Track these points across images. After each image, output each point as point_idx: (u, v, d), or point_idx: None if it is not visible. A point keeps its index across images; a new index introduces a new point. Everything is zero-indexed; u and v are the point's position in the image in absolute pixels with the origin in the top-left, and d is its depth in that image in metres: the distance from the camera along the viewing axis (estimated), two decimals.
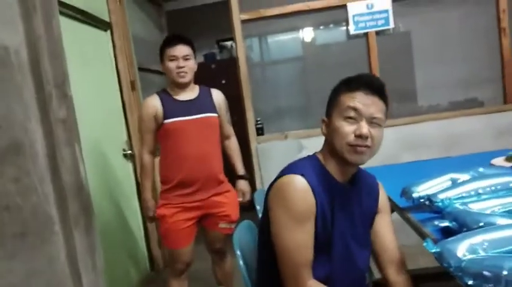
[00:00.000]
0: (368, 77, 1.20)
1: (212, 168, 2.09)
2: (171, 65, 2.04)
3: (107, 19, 2.89)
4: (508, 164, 1.74)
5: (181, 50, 2.05)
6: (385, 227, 1.28)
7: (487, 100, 3.25)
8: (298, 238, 1.10)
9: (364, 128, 1.11)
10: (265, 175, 3.13)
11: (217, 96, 2.18)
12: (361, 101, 1.13)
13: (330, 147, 1.19)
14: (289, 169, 1.16)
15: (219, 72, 4.74)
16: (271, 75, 3.41)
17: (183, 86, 2.08)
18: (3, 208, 1.74)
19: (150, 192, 2.16)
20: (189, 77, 2.08)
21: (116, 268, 2.62)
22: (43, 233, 1.85)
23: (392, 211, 1.80)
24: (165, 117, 2.04)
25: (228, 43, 4.91)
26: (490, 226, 0.92)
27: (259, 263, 1.25)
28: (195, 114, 2.05)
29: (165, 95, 2.09)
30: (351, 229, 1.21)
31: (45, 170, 2.04)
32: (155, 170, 2.20)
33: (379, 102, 1.15)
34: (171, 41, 2.08)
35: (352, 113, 1.13)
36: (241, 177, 2.28)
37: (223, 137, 2.26)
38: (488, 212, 1.08)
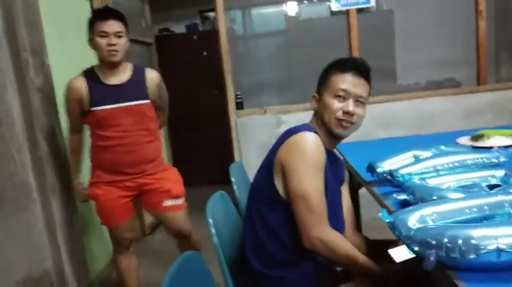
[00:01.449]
0: (357, 60, 1.41)
1: (143, 155, 2.01)
2: (102, 41, 1.87)
3: None
4: (473, 143, 1.83)
5: (113, 26, 1.89)
6: (347, 195, 1.54)
7: (464, 81, 3.34)
8: (318, 185, 1.22)
9: (351, 106, 1.31)
10: (243, 148, 3.18)
11: (152, 79, 2.04)
12: (350, 82, 1.32)
13: (319, 120, 1.37)
14: (295, 129, 1.28)
15: (201, 43, 4.71)
16: (252, 49, 3.43)
17: (113, 66, 1.94)
18: None
19: (78, 172, 2.08)
20: (120, 55, 1.92)
21: (95, 237, 2.67)
22: (21, 201, 1.88)
23: (360, 185, 1.89)
24: (92, 104, 1.92)
25: (211, 14, 4.85)
26: (439, 199, 1.00)
27: (261, 228, 1.29)
28: (123, 102, 1.93)
29: (92, 78, 1.95)
30: (334, 191, 1.39)
31: (22, 139, 2.06)
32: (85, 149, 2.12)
33: (365, 84, 1.35)
34: (102, 14, 1.93)
35: (341, 93, 1.31)
36: None
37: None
38: (444, 187, 1.15)
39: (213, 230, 1.22)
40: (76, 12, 2.73)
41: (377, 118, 3.11)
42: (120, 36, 1.91)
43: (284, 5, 3.29)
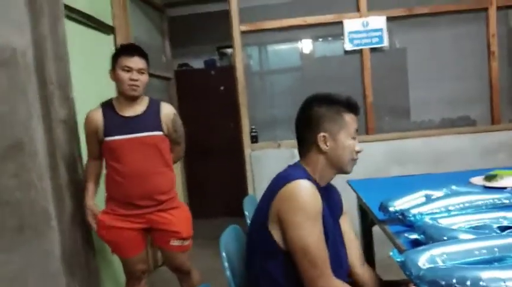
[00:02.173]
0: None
1: (153, 187, 2.03)
2: (125, 75, 1.96)
3: (110, 23, 2.98)
4: (486, 183, 1.83)
5: (138, 62, 1.99)
6: (348, 227, 1.51)
7: (478, 119, 3.36)
8: (318, 235, 1.21)
9: (360, 145, 1.38)
10: (257, 181, 3.22)
11: (167, 113, 2.09)
12: (357, 122, 1.40)
13: (328, 160, 1.35)
14: (289, 176, 1.26)
15: (218, 78, 4.85)
16: (268, 85, 3.51)
17: (131, 99, 2.02)
18: (4, 203, 1.83)
19: (92, 198, 2.10)
20: (140, 91, 2.01)
21: (108, 267, 2.69)
22: (40, 228, 1.93)
23: (373, 223, 1.90)
24: (105, 134, 2.00)
25: (229, 50, 5.01)
26: (451, 240, 1.01)
27: (262, 275, 1.27)
28: (135, 133, 1.99)
29: (109, 109, 2.04)
30: (333, 228, 1.37)
31: (44, 168, 2.13)
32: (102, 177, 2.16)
33: None
34: (128, 50, 2.02)
35: (356, 134, 1.38)
36: None
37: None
38: (455, 227, 1.16)
39: (226, 264, 1.24)
40: (100, 46, 2.87)
41: (391, 155, 3.13)
42: (142, 73, 2.00)
43: (299, 42, 3.39)
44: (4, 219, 1.75)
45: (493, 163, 2.96)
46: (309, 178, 1.28)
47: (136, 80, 1.97)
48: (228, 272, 1.22)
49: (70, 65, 2.22)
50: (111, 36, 3.01)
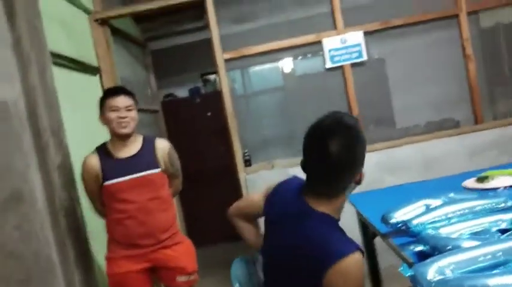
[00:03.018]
0: None
1: (156, 225, 2.05)
2: (112, 115, 1.99)
3: (95, 64, 3.02)
4: (479, 185, 1.89)
5: (123, 100, 2.02)
6: None
7: (462, 120, 3.45)
8: None
9: None
10: None
11: (162, 148, 2.13)
12: None
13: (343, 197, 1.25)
14: (346, 249, 1.11)
15: (204, 105, 4.90)
16: (254, 107, 3.57)
17: (124, 138, 2.04)
18: (8, 255, 1.82)
19: None
20: (130, 127, 2.03)
21: None
22: (46, 278, 1.91)
23: (375, 235, 1.94)
24: (104, 178, 2.01)
25: (212, 77, 5.08)
26: (455, 249, 1.05)
27: None
28: (134, 173, 2.01)
29: (104, 153, 2.06)
30: None
31: (44, 216, 2.12)
32: None
33: None
34: (112, 92, 2.06)
35: None
36: None
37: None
38: (456, 235, 1.21)
39: None
40: (87, 88, 2.90)
41: (382, 165, 3.19)
42: (130, 110, 2.02)
43: (282, 63, 3.47)
44: (11, 272, 1.74)
45: (481, 161, 3.04)
46: (355, 246, 1.14)
47: (125, 117, 2.00)
48: None
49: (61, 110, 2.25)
50: (97, 77, 3.05)
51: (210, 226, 4.77)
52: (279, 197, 1.38)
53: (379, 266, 2.25)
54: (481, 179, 1.94)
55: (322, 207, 1.21)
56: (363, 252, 1.14)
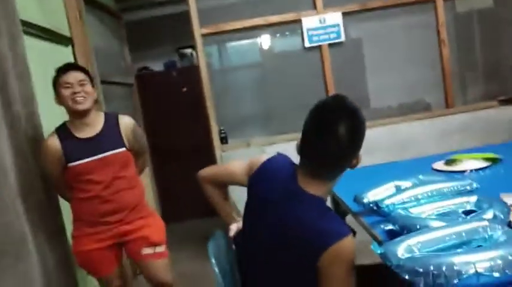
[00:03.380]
0: None
1: (122, 203, 2.00)
2: (66, 92, 1.89)
3: (67, 34, 2.92)
4: (447, 168, 1.97)
5: (75, 75, 1.92)
6: None
7: (433, 102, 3.55)
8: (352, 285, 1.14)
9: None
10: None
11: (125, 126, 2.03)
12: None
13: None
14: (341, 232, 1.12)
15: (179, 79, 4.83)
16: (231, 83, 3.55)
17: (82, 115, 1.94)
18: None
19: None
20: (87, 103, 1.92)
21: (90, 284, 2.67)
22: (18, 252, 1.90)
23: (347, 213, 2.00)
24: (68, 160, 1.91)
25: (188, 51, 4.99)
26: (423, 229, 1.11)
27: None
28: (99, 153, 1.93)
29: (64, 134, 1.95)
30: None
31: (16, 188, 2.09)
32: None
33: None
34: (63, 69, 1.95)
35: None
36: None
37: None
38: (425, 215, 1.27)
39: (216, 270, 1.28)
40: (59, 59, 2.79)
41: None
42: (83, 84, 1.92)
43: (260, 40, 3.44)
44: None
45: (450, 144, 3.15)
46: (348, 228, 1.16)
47: (79, 92, 1.89)
48: (219, 279, 1.26)
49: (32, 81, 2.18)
50: (70, 48, 2.95)
51: (183, 202, 4.79)
52: (267, 175, 1.33)
53: None
54: (449, 162, 2.02)
55: (314, 188, 1.20)
56: (354, 233, 1.15)
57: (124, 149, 2.00)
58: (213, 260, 1.28)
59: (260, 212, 1.29)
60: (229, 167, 1.52)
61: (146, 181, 4.02)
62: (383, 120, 3.39)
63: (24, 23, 2.26)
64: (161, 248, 2.06)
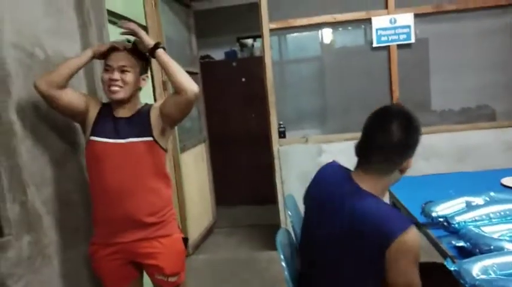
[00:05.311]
0: None
1: (131, 208, 1.68)
2: (105, 75, 1.68)
3: (143, 23, 3.06)
4: None
5: (119, 58, 1.67)
6: None
7: (500, 110, 3.40)
8: (417, 277, 1.19)
9: None
10: (285, 175, 3.33)
11: (153, 112, 1.75)
12: None
13: (391, 182, 1.35)
14: (404, 224, 1.18)
15: (239, 69, 4.92)
16: (291, 77, 3.55)
17: (118, 103, 1.72)
18: None
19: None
20: (124, 93, 1.68)
21: None
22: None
23: None
24: (93, 131, 1.70)
25: (249, 41, 5.07)
26: (498, 251, 1.11)
27: None
28: (121, 138, 1.68)
29: (107, 108, 1.76)
30: None
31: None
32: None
33: None
34: (113, 47, 1.71)
35: None
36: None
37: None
38: (497, 235, 1.26)
39: (283, 264, 1.36)
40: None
41: (417, 150, 3.19)
42: (125, 71, 1.67)
43: (324, 34, 3.42)
44: None
45: None
46: (411, 221, 1.25)
47: (117, 80, 1.65)
48: (286, 273, 1.34)
49: None
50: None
51: (235, 189, 4.94)
52: (325, 179, 1.44)
53: None
54: None
55: (368, 184, 1.29)
56: (417, 225, 1.21)
57: (151, 138, 1.71)
58: (282, 256, 1.36)
59: (321, 213, 1.36)
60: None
61: (203, 165, 4.18)
62: (445, 126, 3.30)
63: (109, 13, 2.41)
64: (175, 278, 1.79)
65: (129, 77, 1.68)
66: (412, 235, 1.17)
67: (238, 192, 4.95)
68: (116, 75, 1.66)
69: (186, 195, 3.52)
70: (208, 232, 4.11)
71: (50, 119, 1.79)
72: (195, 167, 3.90)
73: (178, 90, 1.64)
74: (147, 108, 1.77)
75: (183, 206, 3.46)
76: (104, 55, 1.71)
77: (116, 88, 1.66)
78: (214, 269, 3.34)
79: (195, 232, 3.74)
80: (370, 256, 1.21)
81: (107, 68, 1.68)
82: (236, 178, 4.98)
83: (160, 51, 1.66)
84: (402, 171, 1.32)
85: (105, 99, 1.87)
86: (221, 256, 3.58)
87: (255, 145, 4.75)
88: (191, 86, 1.62)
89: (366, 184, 1.29)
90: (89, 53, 1.72)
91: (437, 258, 1.45)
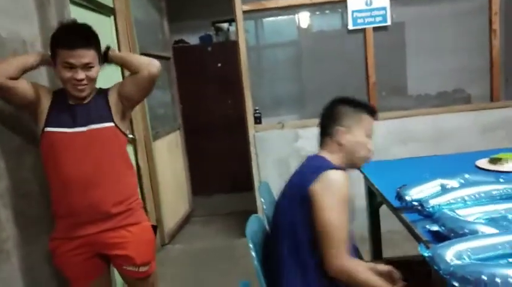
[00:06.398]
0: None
1: (97, 199, 1.59)
2: (67, 74, 1.52)
3: (110, 5, 2.92)
4: (492, 167, 1.90)
5: (82, 55, 1.51)
6: None
7: (475, 94, 3.41)
8: (343, 218, 1.33)
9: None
10: (261, 161, 3.27)
11: (112, 95, 1.67)
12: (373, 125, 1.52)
13: (345, 153, 1.47)
14: (327, 165, 1.38)
15: (215, 54, 4.81)
16: (267, 61, 3.48)
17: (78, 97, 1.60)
18: None
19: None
20: (90, 88, 1.59)
21: None
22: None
23: (381, 203, 1.99)
24: (47, 121, 1.58)
25: (224, 25, 4.95)
26: (473, 235, 1.07)
27: (298, 245, 1.38)
28: (80, 126, 1.58)
29: (60, 95, 1.62)
30: None
31: None
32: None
33: None
34: (67, 40, 1.51)
35: (371, 135, 1.50)
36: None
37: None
38: (472, 218, 1.23)
39: (253, 254, 1.30)
40: (100, 29, 2.79)
41: (393, 134, 3.18)
42: (89, 67, 1.55)
43: (298, 17, 3.35)
44: None
45: (492, 140, 3.04)
46: (337, 167, 1.40)
47: (82, 79, 1.54)
48: (255, 262, 1.28)
49: None
50: (111, 18, 2.96)
51: (212, 177, 4.86)
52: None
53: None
54: (493, 161, 1.95)
55: (325, 152, 1.49)
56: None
57: (112, 124, 1.63)
58: (251, 245, 1.30)
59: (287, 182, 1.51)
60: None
61: (177, 153, 4.08)
62: (421, 110, 3.28)
63: None
64: (145, 268, 1.73)
65: (94, 71, 1.59)
66: (336, 173, 1.33)
67: (215, 180, 4.88)
68: (81, 74, 1.54)
69: (160, 184, 3.43)
70: (185, 221, 4.04)
71: (4, 109, 1.66)
72: (168, 155, 3.81)
73: (140, 70, 1.62)
74: (103, 92, 1.68)
75: (157, 194, 3.37)
76: (55, 62, 1.56)
77: (82, 87, 1.57)
78: (191, 258, 3.28)
79: (170, 221, 3.66)
80: (299, 198, 1.35)
81: (67, 66, 1.52)
82: (213, 166, 4.90)
83: (112, 51, 1.67)
84: (340, 145, 1.46)
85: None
86: (198, 245, 3.52)
87: (232, 132, 4.67)
88: (153, 61, 1.65)
89: (323, 157, 1.47)
90: (36, 57, 1.61)
91: None
